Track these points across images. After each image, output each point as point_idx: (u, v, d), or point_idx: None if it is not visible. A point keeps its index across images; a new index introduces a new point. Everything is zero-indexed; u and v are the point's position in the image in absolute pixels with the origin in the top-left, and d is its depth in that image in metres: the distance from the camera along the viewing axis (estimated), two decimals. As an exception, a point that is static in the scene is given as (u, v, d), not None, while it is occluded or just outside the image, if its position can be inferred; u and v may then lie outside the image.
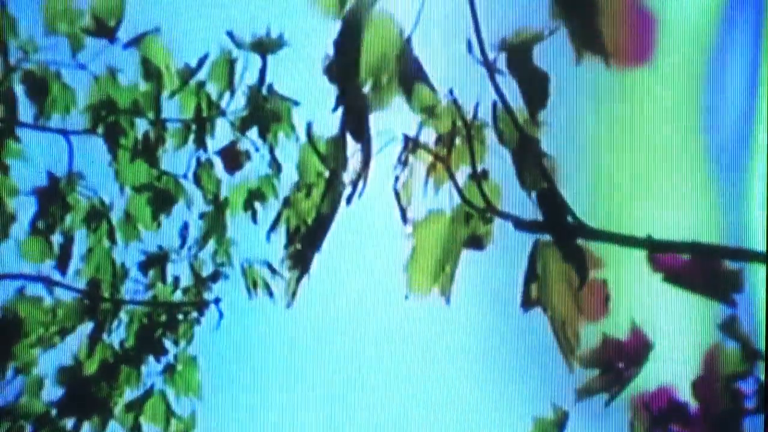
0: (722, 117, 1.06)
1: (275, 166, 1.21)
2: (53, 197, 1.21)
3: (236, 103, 1.21)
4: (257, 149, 1.21)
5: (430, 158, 1.09)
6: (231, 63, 1.19)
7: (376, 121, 1.09)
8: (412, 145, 1.08)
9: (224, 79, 1.20)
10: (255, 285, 1.22)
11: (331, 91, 1.13)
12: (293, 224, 1.16)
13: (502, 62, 1.05)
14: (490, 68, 1.03)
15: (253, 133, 1.21)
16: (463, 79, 1.07)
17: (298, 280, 1.14)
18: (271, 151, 1.21)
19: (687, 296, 1.03)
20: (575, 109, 1.04)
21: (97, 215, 1.22)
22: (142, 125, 1.21)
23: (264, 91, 1.20)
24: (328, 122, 1.15)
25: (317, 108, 1.17)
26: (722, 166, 1.06)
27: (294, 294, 1.14)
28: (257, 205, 1.22)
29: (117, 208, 1.23)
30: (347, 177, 1.10)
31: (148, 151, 1.21)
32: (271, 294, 1.20)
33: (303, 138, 1.18)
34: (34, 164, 1.20)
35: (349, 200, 1.10)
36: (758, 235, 1.05)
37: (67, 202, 1.21)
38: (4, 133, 1.19)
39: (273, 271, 1.19)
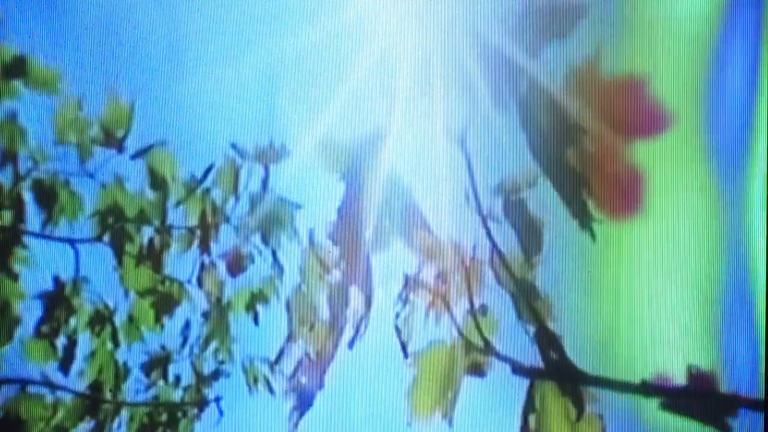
0: (722, 117, 1.08)
1: (277, 268, 1.24)
2: (59, 301, 1.22)
3: (240, 209, 1.23)
4: (260, 252, 1.24)
5: (430, 295, 1.13)
6: (236, 171, 1.22)
7: (377, 261, 1.14)
8: (412, 283, 1.13)
9: (229, 186, 1.22)
10: (255, 381, 1.23)
11: (332, 196, 1.17)
12: (296, 357, 1.19)
13: (498, 207, 1.10)
14: (484, 219, 1.08)
15: (257, 237, 1.24)
16: (462, 222, 1.11)
17: (301, 415, 1.16)
18: (274, 254, 1.24)
19: (683, 420, 1.06)
20: (571, 250, 1.09)
21: (100, 319, 1.23)
22: (147, 231, 1.23)
23: (267, 196, 1.23)
24: (330, 227, 1.19)
25: (319, 212, 1.20)
26: (722, 166, 1.08)
27: (296, 425, 1.16)
28: (259, 306, 1.24)
29: (121, 311, 1.24)
30: (349, 317, 1.14)
31: (153, 256, 1.23)
32: (271, 390, 1.22)
33: (305, 242, 1.21)
34: (41, 270, 1.21)
35: (351, 344, 1.13)
36: (758, 236, 1.08)
37: (72, 305, 1.22)
38: (12, 240, 1.20)
39: (274, 367, 1.21)
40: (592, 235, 1.07)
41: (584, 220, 1.07)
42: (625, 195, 1.07)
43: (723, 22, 1.09)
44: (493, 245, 1.09)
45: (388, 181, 1.12)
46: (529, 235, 1.10)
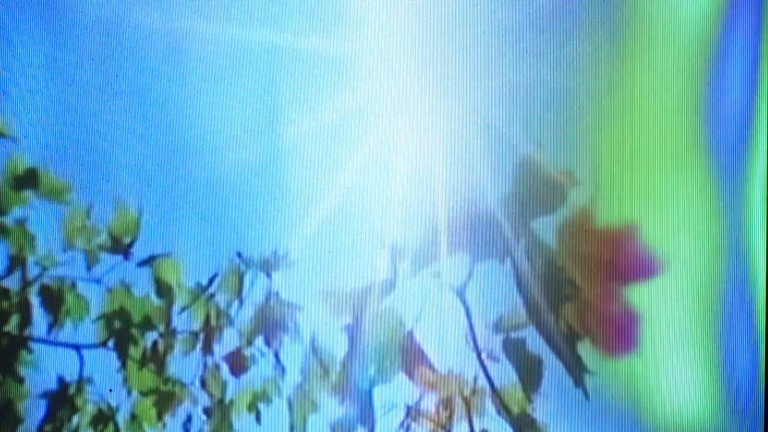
0: (722, 117, 1.08)
1: (279, 368, 1.26)
2: (62, 401, 1.23)
3: (244, 313, 1.25)
4: (263, 354, 1.26)
5: (431, 424, 1.17)
6: (240, 277, 1.24)
7: (379, 392, 1.16)
8: (414, 413, 1.16)
9: (233, 290, 1.24)
10: (256, 476, 1.25)
11: (334, 301, 1.20)
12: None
13: (497, 346, 1.13)
14: (482, 361, 1.12)
15: (259, 339, 1.26)
16: (462, 360, 1.13)
17: None
18: (276, 355, 1.26)
19: None
20: (570, 384, 1.12)
21: (103, 418, 1.24)
22: (151, 335, 1.24)
23: (270, 301, 1.24)
24: (332, 332, 1.21)
25: (321, 316, 1.22)
26: (722, 167, 1.08)
27: None
28: (261, 405, 1.26)
29: (123, 410, 1.25)
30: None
31: (156, 359, 1.24)
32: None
33: (307, 343, 1.23)
34: (46, 371, 1.22)
35: None
36: (758, 236, 1.08)
37: (75, 405, 1.23)
38: (18, 345, 1.21)
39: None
40: (586, 394, 1.10)
41: (578, 376, 1.11)
42: (622, 336, 1.10)
43: (723, 23, 1.09)
44: (491, 384, 1.12)
45: (390, 326, 1.16)
46: (528, 372, 1.13)
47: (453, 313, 1.13)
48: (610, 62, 1.10)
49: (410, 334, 1.14)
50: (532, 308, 1.10)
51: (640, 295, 1.10)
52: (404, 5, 1.15)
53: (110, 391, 1.17)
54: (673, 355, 1.09)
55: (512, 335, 1.12)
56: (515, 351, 1.11)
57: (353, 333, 1.15)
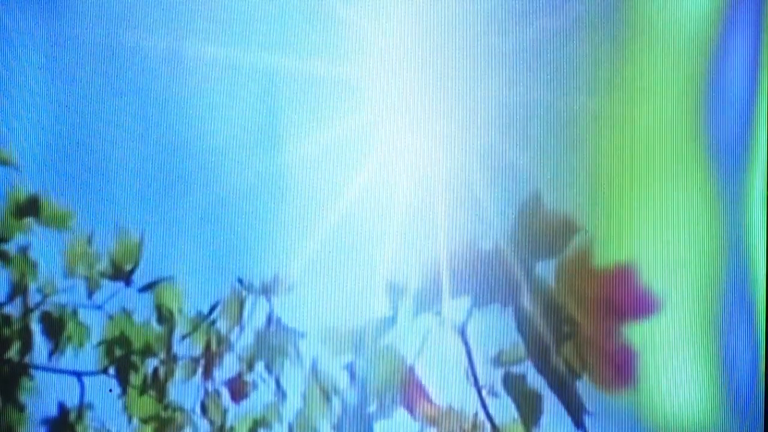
0: (722, 116, 1.08)
1: (280, 394, 1.26)
2: (62, 428, 1.23)
3: (244, 339, 1.25)
4: (263, 380, 1.26)
5: None
6: (241, 302, 1.24)
7: (379, 427, 1.16)
8: None
9: (234, 316, 1.24)
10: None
11: (334, 336, 1.20)
12: None
13: (498, 380, 1.14)
14: (482, 398, 1.12)
15: (260, 364, 1.26)
16: (462, 393, 1.14)
17: None
18: (277, 381, 1.26)
19: None
20: (569, 419, 1.13)
21: (104, 444, 1.24)
22: (151, 362, 1.24)
23: (271, 326, 1.25)
24: (333, 363, 1.21)
25: (322, 343, 1.23)
26: (722, 166, 1.08)
27: None
28: (261, 431, 1.26)
29: (124, 437, 1.25)
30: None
31: (156, 385, 1.24)
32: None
33: (308, 368, 1.23)
34: (47, 398, 1.22)
35: None
36: (758, 236, 1.09)
37: (76, 431, 1.23)
38: (19, 371, 1.21)
39: None
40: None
41: (577, 417, 1.11)
42: (621, 373, 1.11)
43: (723, 22, 1.09)
44: (491, 420, 1.13)
45: (390, 361, 1.16)
46: (528, 407, 1.13)
47: (453, 349, 1.13)
48: (609, 65, 1.10)
49: (411, 369, 1.14)
50: (532, 346, 1.10)
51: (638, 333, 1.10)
52: (406, 29, 1.15)
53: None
54: (673, 356, 1.09)
55: (512, 370, 1.12)
56: (515, 387, 1.11)
57: (354, 368, 1.15)
